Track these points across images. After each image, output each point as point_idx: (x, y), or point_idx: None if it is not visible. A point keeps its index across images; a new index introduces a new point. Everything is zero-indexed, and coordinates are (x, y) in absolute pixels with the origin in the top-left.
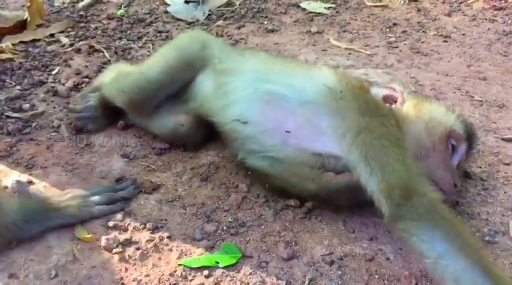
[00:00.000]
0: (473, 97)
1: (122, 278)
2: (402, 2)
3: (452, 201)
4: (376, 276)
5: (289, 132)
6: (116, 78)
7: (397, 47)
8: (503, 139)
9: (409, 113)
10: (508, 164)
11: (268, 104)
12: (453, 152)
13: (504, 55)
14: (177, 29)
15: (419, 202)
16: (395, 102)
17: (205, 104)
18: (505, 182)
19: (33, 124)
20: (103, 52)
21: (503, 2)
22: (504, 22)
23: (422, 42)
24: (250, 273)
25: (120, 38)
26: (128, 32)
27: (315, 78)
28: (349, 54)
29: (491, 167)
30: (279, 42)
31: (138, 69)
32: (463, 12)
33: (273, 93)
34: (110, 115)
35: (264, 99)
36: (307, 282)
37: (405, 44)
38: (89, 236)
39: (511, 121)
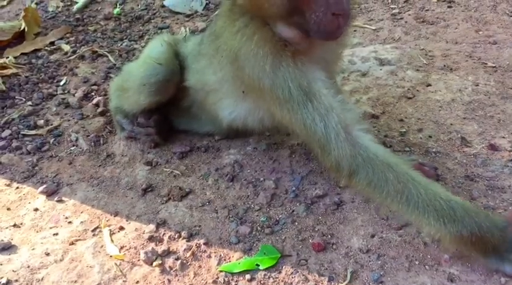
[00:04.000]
0: (486, 63)
1: None
2: None
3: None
4: (417, 262)
5: None
6: None
7: (401, 18)
8: None
9: None
10: None
11: None
12: None
13: (511, 16)
14: (176, 23)
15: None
16: None
17: None
18: None
19: (51, 140)
20: (107, 56)
21: None
22: None
23: (427, 10)
24: (291, 273)
25: (122, 39)
26: (128, 31)
27: None
28: (355, 31)
29: None
30: None
31: None
32: None
33: None
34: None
35: None
36: (349, 275)
37: (410, 14)
38: (121, 254)
39: None
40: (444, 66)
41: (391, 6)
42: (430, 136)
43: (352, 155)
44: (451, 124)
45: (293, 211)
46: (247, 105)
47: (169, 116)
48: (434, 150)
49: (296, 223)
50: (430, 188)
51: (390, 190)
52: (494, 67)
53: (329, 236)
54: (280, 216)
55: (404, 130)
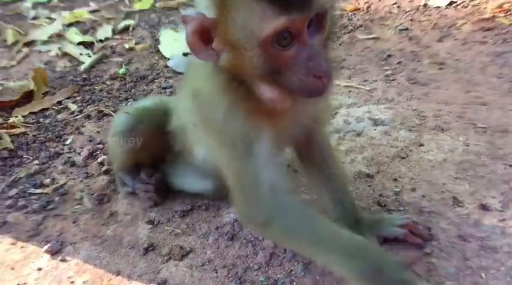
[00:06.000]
0: (475, 124)
1: None
2: (393, 32)
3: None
4: None
5: None
6: None
7: (394, 79)
8: (511, 166)
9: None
10: None
11: None
12: (293, 41)
13: (499, 78)
14: (179, 83)
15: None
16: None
17: None
18: None
19: (57, 199)
20: (112, 115)
21: (491, 22)
22: (495, 43)
23: (419, 72)
24: None
25: (127, 98)
26: (133, 91)
27: None
28: (350, 91)
29: (505, 196)
30: None
31: None
32: (454, 37)
33: None
34: None
35: None
36: None
37: (402, 76)
38: None
39: None
40: (436, 126)
41: (385, 67)
42: (424, 196)
43: (273, 204)
44: (444, 183)
45: (291, 270)
46: None
47: (167, 176)
48: (427, 210)
49: (294, 283)
50: (334, 227)
51: (304, 233)
52: (484, 128)
53: None
54: (278, 276)
55: (398, 189)
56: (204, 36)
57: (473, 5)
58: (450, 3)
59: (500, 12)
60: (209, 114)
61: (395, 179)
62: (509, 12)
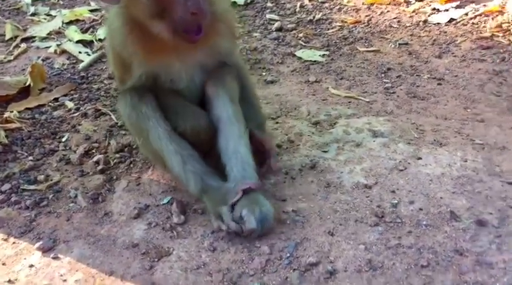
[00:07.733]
0: (474, 140)
1: None
2: (393, 46)
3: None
4: None
5: None
6: None
7: (394, 93)
8: (509, 183)
9: None
10: None
11: None
12: None
13: (497, 96)
14: None
15: None
16: None
17: None
18: None
19: (50, 196)
20: (109, 115)
21: (489, 41)
22: (493, 61)
23: (418, 86)
24: None
25: None
26: None
27: None
28: (349, 102)
29: (501, 213)
30: (279, 94)
31: None
32: (453, 53)
33: None
34: None
35: None
36: None
37: (401, 89)
38: None
39: None
40: (434, 140)
41: (384, 80)
42: (421, 209)
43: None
44: (441, 197)
45: (287, 277)
46: None
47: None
48: (425, 223)
49: None
50: None
51: None
52: (482, 144)
53: None
54: (274, 282)
55: (396, 201)
56: None
57: (473, 23)
58: (450, 21)
59: (499, 31)
60: (113, 42)
61: (393, 191)
62: (508, 32)
